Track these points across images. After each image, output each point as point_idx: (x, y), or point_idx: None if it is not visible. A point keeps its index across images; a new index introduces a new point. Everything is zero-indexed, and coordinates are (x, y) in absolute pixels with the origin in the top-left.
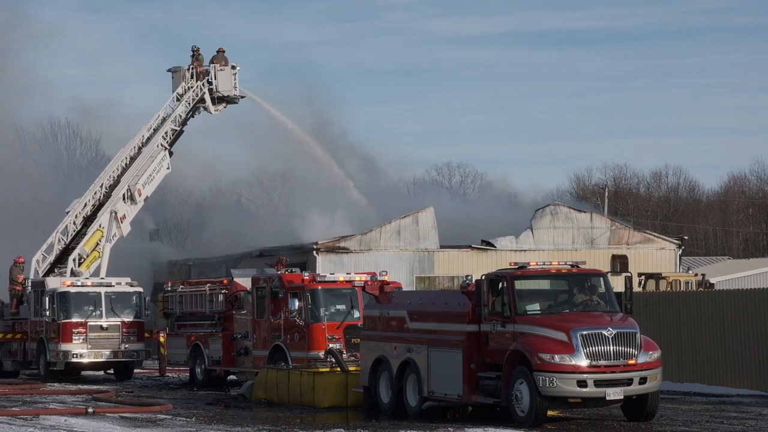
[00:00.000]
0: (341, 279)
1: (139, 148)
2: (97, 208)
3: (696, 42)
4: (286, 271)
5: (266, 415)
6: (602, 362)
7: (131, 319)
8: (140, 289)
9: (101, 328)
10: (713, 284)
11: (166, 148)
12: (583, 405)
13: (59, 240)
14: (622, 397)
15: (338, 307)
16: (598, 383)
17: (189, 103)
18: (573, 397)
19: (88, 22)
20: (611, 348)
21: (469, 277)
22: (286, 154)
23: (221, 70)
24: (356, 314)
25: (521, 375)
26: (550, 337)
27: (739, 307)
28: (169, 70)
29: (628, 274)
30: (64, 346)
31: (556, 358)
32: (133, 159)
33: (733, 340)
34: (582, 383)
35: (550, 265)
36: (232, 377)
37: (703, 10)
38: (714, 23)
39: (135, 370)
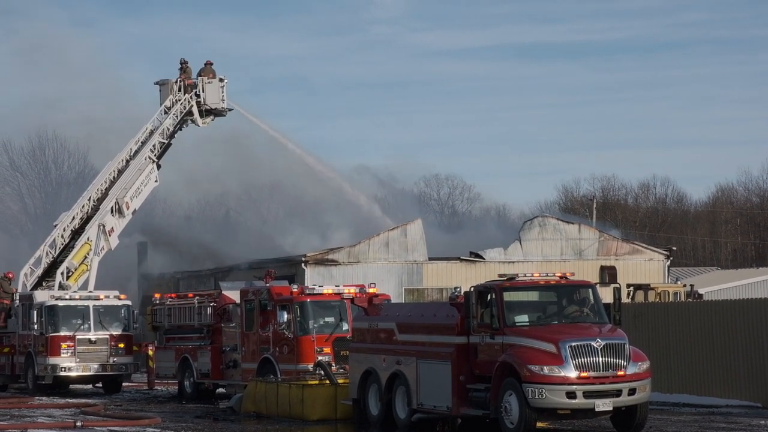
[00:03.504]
0: (330, 291)
1: (127, 161)
2: (85, 221)
3: (681, 54)
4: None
5: (255, 428)
6: (591, 373)
7: (120, 333)
8: (128, 302)
9: (89, 341)
10: (702, 295)
11: (154, 161)
12: (572, 416)
13: (47, 253)
14: (611, 408)
15: (327, 319)
16: (587, 394)
17: (177, 116)
18: (562, 408)
19: (76, 36)
20: (600, 359)
21: (458, 289)
22: (277, 167)
23: (209, 82)
24: (345, 327)
25: (510, 387)
26: (539, 349)
27: (728, 317)
28: (156, 83)
29: (617, 285)
30: (53, 360)
31: (545, 369)
32: (121, 172)
33: (722, 350)
34: (571, 395)
35: (537, 276)
36: (221, 390)
37: (687, 23)
38: (698, 36)
39: (123, 384)
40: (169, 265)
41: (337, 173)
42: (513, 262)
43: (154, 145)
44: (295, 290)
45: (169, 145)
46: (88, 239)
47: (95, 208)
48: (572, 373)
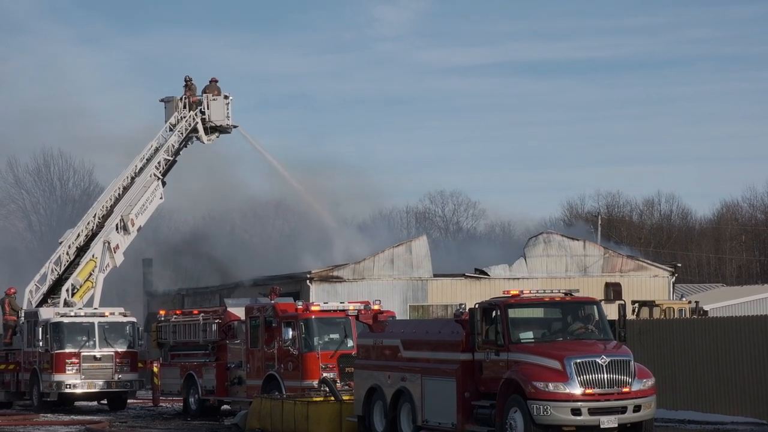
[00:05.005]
0: (335, 308)
1: (132, 178)
2: (90, 238)
3: (685, 71)
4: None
5: None
6: (596, 390)
7: (125, 349)
8: (133, 319)
9: (94, 358)
10: (707, 311)
11: (159, 178)
12: None
13: (52, 270)
14: (616, 425)
15: (332, 336)
16: (592, 411)
17: (182, 133)
18: (567, 425)
19: (80, 54)
20: (605, 376)
21: (463, 306)
22: (279, 188)
23: (214, 99)
24: (350, 343)
25: (515, 403)
26: (544, 366)
27: (733, 334)
28: (162, 100)
29: (622, 302)
30: (58, 377)
31: (551, 386)
32: (126, 189)
33: (727, 367)
34: (576, 411)
35: (542, 293)
36: (225, 407)
37: (691, 39)
38: (702, 52)
39: (128, 401)
40: (174, 282)
41: (320, 202)
42: (518, 278)
43: (159, 162)
44: (300, 307)
45: (174, 162)
46: (93, 256)
47: (100, 225)
48: (577, 390)
